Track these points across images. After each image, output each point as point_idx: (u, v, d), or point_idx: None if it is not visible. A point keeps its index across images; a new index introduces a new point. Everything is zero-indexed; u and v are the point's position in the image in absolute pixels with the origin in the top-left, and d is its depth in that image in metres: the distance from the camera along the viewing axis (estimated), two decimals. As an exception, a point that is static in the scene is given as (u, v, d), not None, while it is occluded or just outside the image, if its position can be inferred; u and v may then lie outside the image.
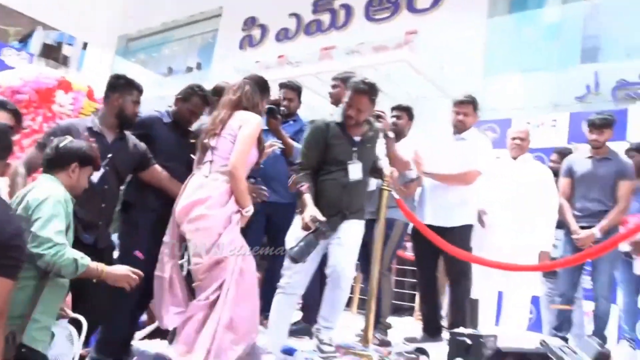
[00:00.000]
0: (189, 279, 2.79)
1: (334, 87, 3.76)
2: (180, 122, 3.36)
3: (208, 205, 2.68)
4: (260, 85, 3.02)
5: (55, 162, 2.41)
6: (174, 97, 3.40)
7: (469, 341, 2.39)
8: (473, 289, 3.81)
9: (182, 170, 3.14)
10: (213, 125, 2.88)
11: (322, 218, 2.76)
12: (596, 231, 3.64)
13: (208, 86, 3.59)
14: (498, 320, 3.66)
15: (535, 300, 4.11)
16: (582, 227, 3.71)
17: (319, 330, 2.93)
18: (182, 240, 2.80)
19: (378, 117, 3.74)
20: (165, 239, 2.86)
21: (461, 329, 2.50)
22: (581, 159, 3.94)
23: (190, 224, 2.69)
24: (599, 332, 3.73)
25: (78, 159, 2.44)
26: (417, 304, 4.77)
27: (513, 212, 3.63)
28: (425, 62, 7.25)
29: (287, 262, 2.90)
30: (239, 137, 2.77)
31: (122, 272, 2.36)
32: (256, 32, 11.01)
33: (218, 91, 3.46)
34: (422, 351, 2.97)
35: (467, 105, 3.73)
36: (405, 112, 3.92)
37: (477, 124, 5.93)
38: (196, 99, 3.36)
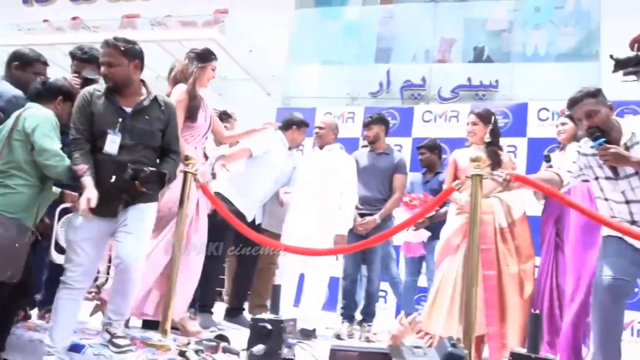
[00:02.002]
0: None
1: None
2: None
3: None
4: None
5: (43, 94, 2.64)
6: None
7: (269, 326, 2.40)
8: (277, 275, 3.93)
9: None
10: None
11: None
12: (377, 217, 4.02)
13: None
14: (298, 301, 3.79)
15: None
16: (363, 214, 4.05)
17: (109, 324, 2.69)
18: None
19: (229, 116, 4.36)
20: None
21: (263, 315, 2.50)
22: (363, 153, 4.32)
23: None
24: (370, 308, 4.09)
25: (62, 94, 2.67)
26: (225, 289, 4.72)
27: (313, 197, 3.78)
28: (234, 43, 7.19)
29: (68, 256, 2.61)
30: None
31: None
32: (45, -13, 9.76)
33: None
34: (222, 338, 2.92)
35: None
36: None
37: (283, 111, 6.12)
38: None
